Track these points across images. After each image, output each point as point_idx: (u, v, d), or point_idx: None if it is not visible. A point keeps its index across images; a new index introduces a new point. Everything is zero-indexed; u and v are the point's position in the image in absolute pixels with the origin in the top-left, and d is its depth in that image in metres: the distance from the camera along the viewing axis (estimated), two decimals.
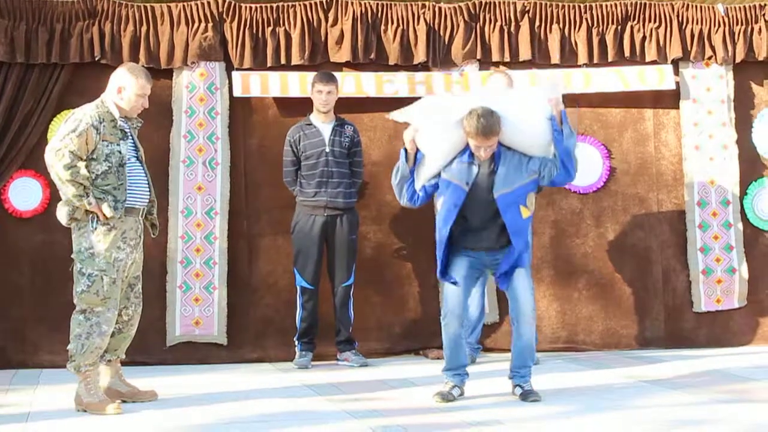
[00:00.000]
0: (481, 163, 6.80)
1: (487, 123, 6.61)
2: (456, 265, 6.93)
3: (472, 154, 6.80)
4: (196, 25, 8.96)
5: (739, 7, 9.66)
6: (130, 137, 6.93)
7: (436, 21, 9.31)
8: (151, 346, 8.74)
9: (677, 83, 9.57)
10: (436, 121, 6.78)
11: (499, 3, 9.40)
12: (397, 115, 6.98)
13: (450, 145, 6.82)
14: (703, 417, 6.25)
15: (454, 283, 6.88)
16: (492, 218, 6.85)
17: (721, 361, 8.57)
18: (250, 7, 9.07)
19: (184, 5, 8.97)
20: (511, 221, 6.79)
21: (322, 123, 8.68)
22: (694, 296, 9.55)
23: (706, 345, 9.47)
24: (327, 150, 8.60)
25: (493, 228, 6.87)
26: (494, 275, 7.07)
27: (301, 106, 8.93)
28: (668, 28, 9.57)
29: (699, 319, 9.58)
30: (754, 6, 9.67)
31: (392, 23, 9.25)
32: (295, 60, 9.10)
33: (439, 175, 6.91)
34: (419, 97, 9.06)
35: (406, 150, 6.91)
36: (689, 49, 9.59)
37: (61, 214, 6.77)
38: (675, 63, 9.60)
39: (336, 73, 8.87)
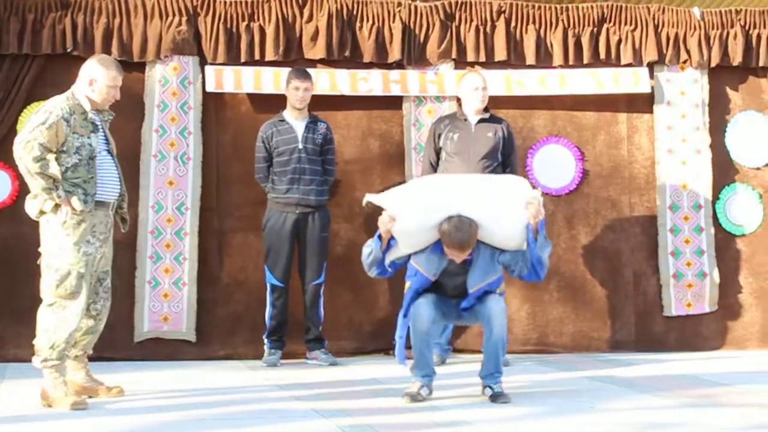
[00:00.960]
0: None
1: (465, 236, 6.64)
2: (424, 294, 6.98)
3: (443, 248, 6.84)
4: (169, 18, 8.91)
5: (715, 12, 9.69)
6: (101, 130, 6.87)
7: (412, 19, 9.29)
8: (119, 342, 8.68)
9: (652, 86, 9.58)
10: (413, 218, 6.76)
11: (475, 3, 9.39)
12: (375, 199, 6.96)
13: (423, 241, 6.84)
14: (670, 420, 6.24)
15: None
16: (459, 294, 6.94)
17: (690, 365, 8.60)
18: (225, 2, 9.04)
19: None
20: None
21: (296, 120, 8.64)
22: (664, 300, 9.56)
23: (676, 349, 9.49)
24: (300, 147, 8.56)
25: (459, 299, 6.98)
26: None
27: (275, 103, 8.89)
28: (644, 31, 9.58)
29: (669, 323, 9.60)
30: (730, 11, 9.71)
31: (368, 21, 9.23)
32: (269, 56, 9.06)
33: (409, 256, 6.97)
34: (393, 96, 9.21)
35: (380, 236, 6.89)
36: (665, 52, 9.61)
37: (30, 207, 6.70)
38: (650, 66, 9.61)
39: (310, 70, 8.84)
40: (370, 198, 6.96)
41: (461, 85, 8.62)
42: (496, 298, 6.90)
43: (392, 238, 6.87)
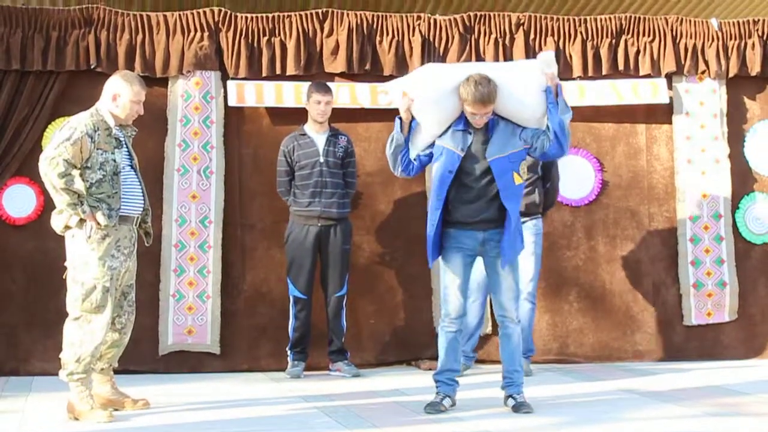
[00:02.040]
0: (475, 131, 6.84)
1: (485, 90, 6.64)
2: (448, 260, 6.94)
3: (467, 123, 6.82)
4: (191, 34, 8.98)
5: (733, 22, 9.71)
6: (125, 146, 6.93)
7: (431, 33, 9.34)
8: (144, 355, 8.73)
9: (671, 97, 9.61)
10: (432, 89, 6.78)
11: (494, 15, 9.45)
12: (392, 84, 6.98)
13: (445, 114, 6.83)
14: (694, 430, 6.27)
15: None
16: (486, 186, 6.83)
17: (711, 375, 8.61)
18: (246, 17, 9.10)
19: (180, 14, 9.00)
20: (504, 186, 6.80)
21: (317, 133, 8.70)
22: (684, 309, 9.57)
23: (696, 358, 9.49)
24: (321, 160, 8.61)
25: (487, 198, 6.85)
26: (485, 261, 7.03)
27: (295, 116, 8.95)
28: (662, 42, 9.61)
29: (689, 332, 9.60)
30: (748, 21, 9.73)
31: (387, 34, 9.29)
32: (291, 70, 9.12)
33: (433, 144, 6.94)
34: None
35: (401, 119, 6.91)
36: (683, 63, 9.63)
37: (56, 222, 6.77)
38: (668, 77, 9.64)
39: (331, 84, 8.90)
40: (385, 86, 7.04)
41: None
42: (512, 300, 6.92)
43: (412, 121, 6.89)
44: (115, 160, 6.76)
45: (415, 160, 6.98)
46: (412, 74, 7.08)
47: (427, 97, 6.80)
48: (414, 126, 6.93)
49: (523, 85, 6.79)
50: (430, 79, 6.85)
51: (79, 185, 6.62)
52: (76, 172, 6.62)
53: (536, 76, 6.81)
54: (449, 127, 6.89)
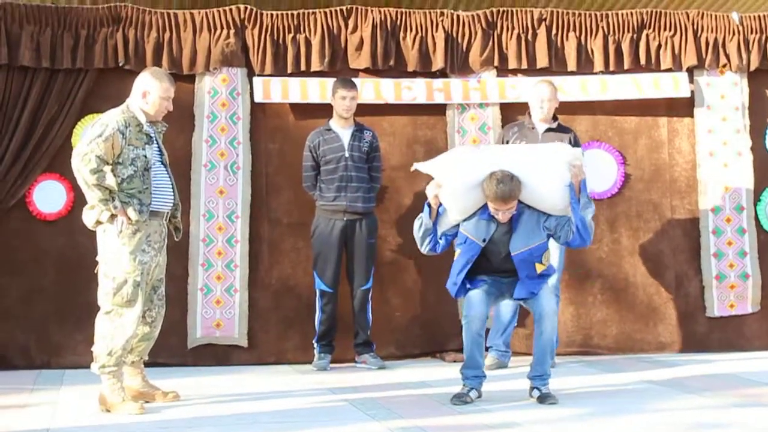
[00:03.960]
0: (499, 221, 6.97)
1: (507, 188, 6.76)
2: (472, 294, 7.08)
3: (491, 213, 6.96)
4: (218, 31, 9.06)
5: (754, 16, 9.75)
6: (155, 141, 7.01)
7: (454, 28, 9.41)
8: (173, 348, 8.82)
9: (692, 91, 9.66)
10: (458, 179, 6.90)
11: (517, 11, 9.50)
12: (422, 166, 7.10)
13: (470, 204, 6.97)
14: (718, 421, 6.32)
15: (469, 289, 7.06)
16: (508, 267, 7.03)
17: (734, 366, 8.64)
18: (272, 14, 9.19)
19: (206, 12, 9.09)
20: (525, 275, 6.99)
21: (342, 128, 8.79)
22: (707, 301, 9.62)
23: (719, 349, 9.54)
24: (346, 155, 8.70)
25: (508, 271, 7.05)
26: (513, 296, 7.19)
27: (320, 112, 9.04)
28: (683, 36, 9.65)
29: (712, 324, 9.65)
30: None
31: (411, 30, 9.35)
32: (315, 66, 9.20)
33: (458, 225, 7.07)
34: (437, 104, 9.32)
35: (429, 205, 7.03)
36: (704, 56, 9.67)
37: (87, 218, 6.84)
38: (690, 71, 9.68)
39: (355, 80, 8.98)
40: (417, 166, 7.11)
41: (530, 94, 8.77)
42: (549, 296, 7.00)
43: (440, 205, 7.01)
44: (146, 156, 6.84)
45: (441, 238, 7.12)
46: (440, 158, 7.15)
47: (453, 187, 6.92)
48: (441, 211, 7.06)
49: (547, 178, 6.91)
50: (457, 167, 6.95)
51: (111, 181, 6.69)
52: (107, 168, 6.69)
53: (561, 168, 6.93)
54: (474, 214, 7.02)
